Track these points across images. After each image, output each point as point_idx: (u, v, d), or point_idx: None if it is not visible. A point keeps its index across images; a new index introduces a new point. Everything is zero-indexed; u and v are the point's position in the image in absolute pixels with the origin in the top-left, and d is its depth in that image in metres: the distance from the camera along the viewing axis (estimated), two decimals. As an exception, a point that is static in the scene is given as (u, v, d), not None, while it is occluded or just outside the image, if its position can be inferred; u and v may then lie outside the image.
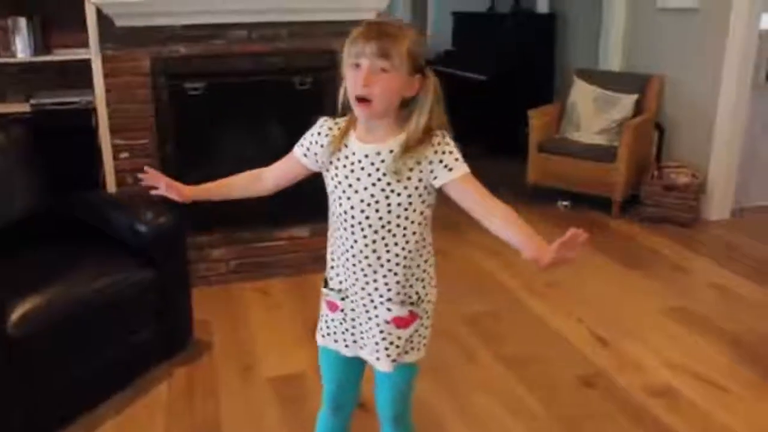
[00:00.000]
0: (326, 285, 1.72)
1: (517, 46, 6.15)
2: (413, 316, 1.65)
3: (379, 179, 1.53)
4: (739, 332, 3.09)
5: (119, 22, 3.27)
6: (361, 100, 1.47)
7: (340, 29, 3.60)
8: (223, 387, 2.69)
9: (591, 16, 5.56)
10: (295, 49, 3.56)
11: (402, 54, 1.46)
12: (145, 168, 1.83)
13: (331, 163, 1.59)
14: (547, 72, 6.25)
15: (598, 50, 5.37)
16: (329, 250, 1.70)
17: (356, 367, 1.77)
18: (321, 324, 1.76)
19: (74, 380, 2.42)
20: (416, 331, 1.67)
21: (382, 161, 1.52)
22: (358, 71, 1.46)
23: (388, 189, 1.53)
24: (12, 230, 2.73)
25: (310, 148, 1.64)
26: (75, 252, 2.66)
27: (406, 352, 1.68)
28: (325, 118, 1.64)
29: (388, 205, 1.54)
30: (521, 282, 3.62)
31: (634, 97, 4.74)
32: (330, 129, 1.61)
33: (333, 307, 1.70)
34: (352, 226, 1.57)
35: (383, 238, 1.57)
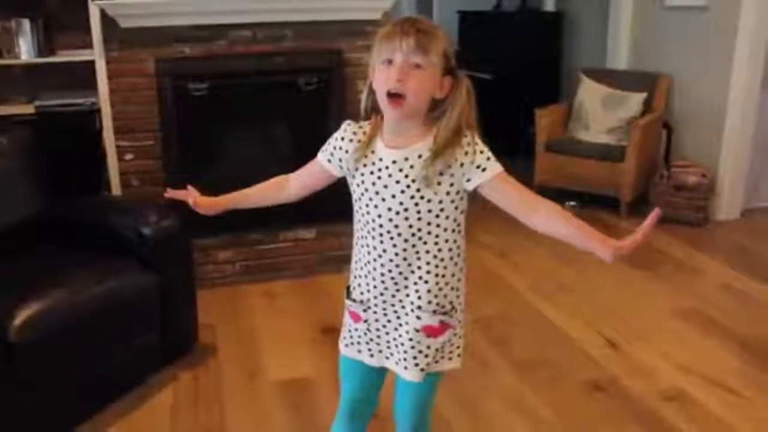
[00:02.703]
0: (348, 295, 1.67)
1: (524, 45, 6.10)
2: (444, 326, 1.59)
3: (408, 186, 1.47)
4: (750, 334, 3.05)
5: (123, 24, 3.25)
6: (394, 96, 1.41)
7: (346, 29, 3.58)
8: (229, 391, 2.67)
9: (598, 15, 5.52)
10: (300, 49, 3.54)
11: (438, 52, 1.42)
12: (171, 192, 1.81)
13: (356, 169, 1.53)
14: (554, 71, 6.21)
15: (606, 49, 5.32)
16: (354, 259, 1.64)
17: (378, 375, 1.73)
18: (344, 333, 1.71)
19: (77, 386, 2.40)
20: (449, 341, 1.62)
21: (411, 167, 1.47)
22: (391, 67, 1.40)
23: (417, 196, 1.48)
24: (15, 233, 2.71)
25: (334, 154, 1.58)
26: (78, 256, 2.64)
27: (437, 362, 1.63)
28: (348, 122, 1.59)
29: (418, 212, 1.49)
30: (530, 284, 3.58)
31: (643, 95, 4.69)
32: (354, 134, 1.55)
33: (356, 317, 1.66)
34: (381, 234, 1.52)
35: (414, 246, 1.52)
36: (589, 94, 4.88)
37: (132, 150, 3.45)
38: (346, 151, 1.55)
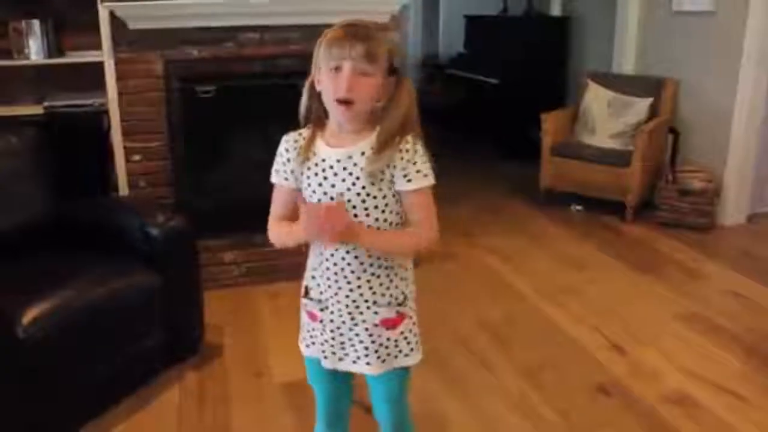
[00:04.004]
0: (306, 294, 1.68)
1: (530, 49, 6.11)
2: (401, 316, 1.63)
3: (353, 183, 1.50)
4: (754, 339, 3.05)
5: (132, 25, 3.27)
6: (343, 103, 1.45)
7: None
8: (234, 392, 2.68)
9: (605, 19, 5.52)
10: (307, 51, 3.53)
11: (383, 57, 1.46)
12: None
13: (302, 173, 1.56)
14: (560, 75, 6.21)
15: (612, 53, 5.32)
16: (309, 259, 1.67)
17: (344, 375, 1.74)
18: (303, 333, 1.73)
19: (83, 385, 2.41)
20: (409, 330, 1.66)
21: (355, 165, 1.50)
22: (340, 74, 1.44)
23: (363, 193, 1.51)
24: (23, 233, 2.73)
25: (285, 169, 1.59)
26: (85, 256, 2.65)
27: (405, 355, 1.66)
28: (287, 133, 1.61)
29: (366, 209, 1.52)
30: (534, 287, 3.59)
31: (649, 100, 4.69)
32: (296, 141, 1.58)
33: (312, 317, 1.67)
34: None
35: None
36: (596, 98, 4.88)
37: (139, 151, 3.47)
38: (290, 160, 1.57)
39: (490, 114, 6.28)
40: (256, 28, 3.47)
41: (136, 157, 3.47)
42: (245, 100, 3.55)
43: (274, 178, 1.63)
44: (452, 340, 3.07)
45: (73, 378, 2.36)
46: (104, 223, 2.83)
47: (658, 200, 4.53)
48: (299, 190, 1.60)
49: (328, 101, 1.48)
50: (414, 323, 1.68)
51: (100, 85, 3.39)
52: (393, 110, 1.50)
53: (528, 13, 6.48)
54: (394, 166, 1.49)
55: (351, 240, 1.47)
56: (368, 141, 1.50)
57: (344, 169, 1.50)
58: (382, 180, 1.50)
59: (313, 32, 3.75)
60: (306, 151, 1.55)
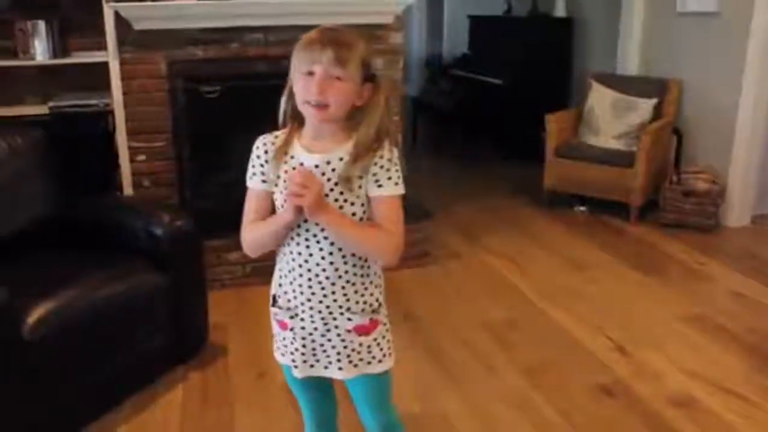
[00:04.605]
0: (274, 303, 1.67)
1: (534, 50, 6.11)
2: (375, 323, 1.63)
3: (331, 189, 1.50)
4: (758, 341, 3.05)
5: (137, 26, 3.29)
6: (316, 106, 1.45)
7: (357, 33, 3.60)
8: (238, 392, 2.69)
9: (609, 20, 5.52)
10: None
11: (356, 62, 1.46)
12: None
13: (278, 177, 1.54)
14: (564, 76, 6.21)
15: (616, 54, 5.32)
16: (277, 267, 1.65)
17: (320, 382, 1.73)
18: (276, 342, 1.72)
19: (88, 385, 2.42)
20: (382, 337, 1.66)
21: (333, 170, 1.50)
22: (311, 78, 1.44)
23: (341, 199, 1.50)
24: (28, 234, 2.74)
25: (263, 171, 1.57)
26: (90, 256, 2.66)
27: (379, 361, 1.66)
28: (262, 136, 1.60)
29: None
30: (537, 288, 3.59)
31: (653, 101, 4.69)
32: (273, 144, 1.57)
33: (283, 325, 1.66)
34: (307, 240, 1.54)
35: (340, 250, 1.54)
36: (600, 99, 4.88)
37: (144, 151, 3.49)
38: (266, 161, 1.56)
39: (493, 114, 6.28)
40: (261, 29, 3.48)
41: (141, 157, 3.49)
42: (250, 100, 3.55)
43: (249, 183, 1.61)
44: (454, 340, 3.07)
45: (77, 378, 2.37)
46: (108, 223, 2.84)
47: (662, 201, 4.52)
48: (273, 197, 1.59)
49: (300, 104, 1.49)
50: (387, 330, 1.67)
51: (105, 85, 3.41)
52: (370, 116, 1.51)
53: (532, 14, 6.48)
54: (368, 172, 1.49)
55: (324, 212, 1.44)
56: (346, 147, 1.51)
57: (323, 174, 1.50)
58: (360, 187, 1.50)
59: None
60: (282, 153, 1.54)
